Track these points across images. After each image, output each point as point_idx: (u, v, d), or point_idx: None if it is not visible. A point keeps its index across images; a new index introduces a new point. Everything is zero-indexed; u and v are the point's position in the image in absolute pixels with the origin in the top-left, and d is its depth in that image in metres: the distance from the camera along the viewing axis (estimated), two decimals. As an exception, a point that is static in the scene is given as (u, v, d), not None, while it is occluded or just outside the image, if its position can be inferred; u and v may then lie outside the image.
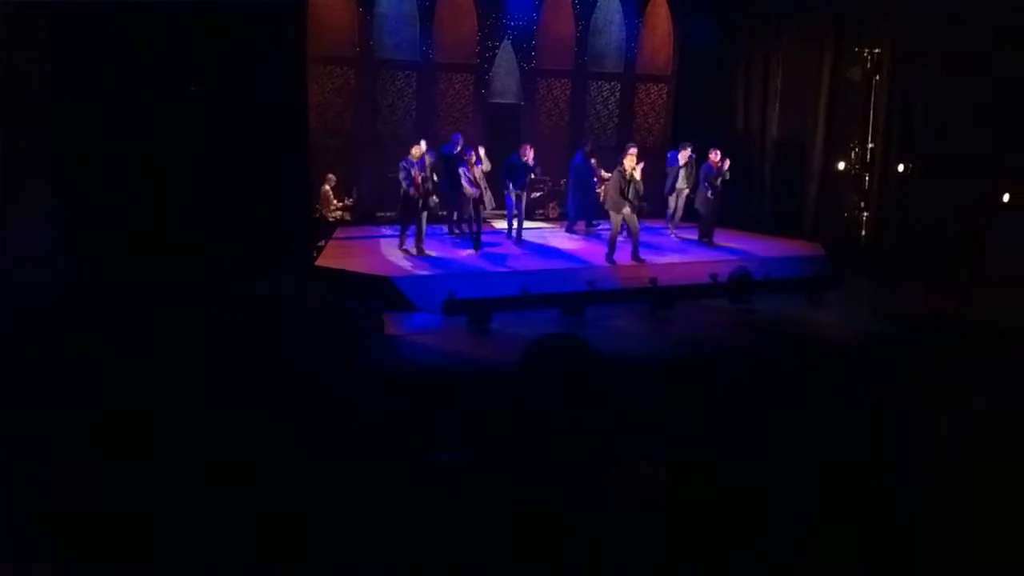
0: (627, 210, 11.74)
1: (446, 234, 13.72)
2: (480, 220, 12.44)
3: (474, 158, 12.28)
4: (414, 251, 12.03)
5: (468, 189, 12.04)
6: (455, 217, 13.84)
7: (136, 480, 2.72)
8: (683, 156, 13.85)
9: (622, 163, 11.82)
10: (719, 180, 13.21)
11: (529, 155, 13.09)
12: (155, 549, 2.41)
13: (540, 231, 14.39)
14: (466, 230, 12.95)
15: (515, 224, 13.39)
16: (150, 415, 3.31)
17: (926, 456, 2.95)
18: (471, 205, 12.26)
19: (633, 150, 12.00)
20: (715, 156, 13.25)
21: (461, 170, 12.14)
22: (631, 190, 11.64)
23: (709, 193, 13.23)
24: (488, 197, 12.34)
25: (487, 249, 12.34)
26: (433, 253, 12.11)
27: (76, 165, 7.49)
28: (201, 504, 2.55)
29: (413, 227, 12.13)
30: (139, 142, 8.03)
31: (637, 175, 11.69)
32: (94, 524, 2.52)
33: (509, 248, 12.71)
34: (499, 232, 13.62)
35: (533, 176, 13.72)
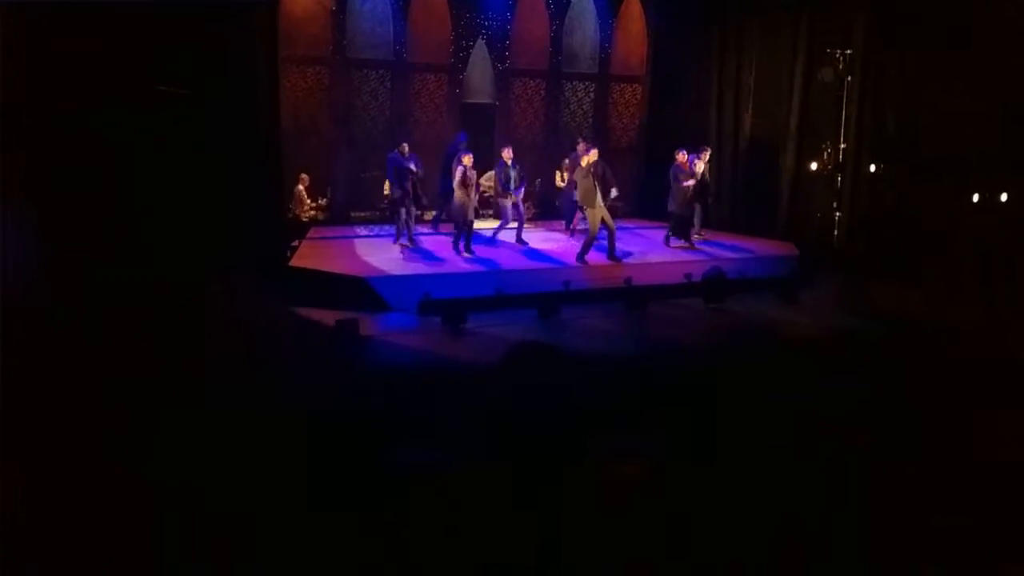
0: (603, 209, 11.71)
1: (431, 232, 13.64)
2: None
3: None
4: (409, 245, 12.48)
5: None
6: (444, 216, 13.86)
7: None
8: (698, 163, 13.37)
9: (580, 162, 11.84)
10: (691, 180, 13.10)
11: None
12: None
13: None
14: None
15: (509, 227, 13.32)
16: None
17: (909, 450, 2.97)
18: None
19: (593, 150, 11.92)
20: (682, 156, 13.14)
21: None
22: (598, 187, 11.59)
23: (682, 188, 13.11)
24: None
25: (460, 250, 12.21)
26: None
27: (31, 169, 7.24)
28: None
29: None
30: (103, 142, 7.87)
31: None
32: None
33: (485, 248, 12.65)
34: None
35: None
